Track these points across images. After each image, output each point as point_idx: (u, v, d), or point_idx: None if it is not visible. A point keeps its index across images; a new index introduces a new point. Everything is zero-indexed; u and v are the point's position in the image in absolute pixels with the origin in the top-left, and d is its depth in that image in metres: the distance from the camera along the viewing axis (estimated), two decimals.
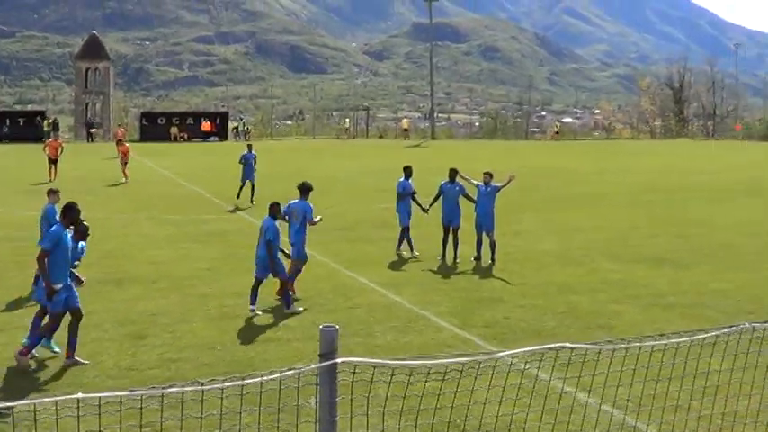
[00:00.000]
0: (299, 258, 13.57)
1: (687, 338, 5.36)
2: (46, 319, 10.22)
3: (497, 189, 16.68)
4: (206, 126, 60.92)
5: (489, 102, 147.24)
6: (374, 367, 4.58)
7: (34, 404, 4.12)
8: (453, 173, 17.14)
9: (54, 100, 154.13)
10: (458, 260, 16.59)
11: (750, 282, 14.94)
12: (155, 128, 60.18)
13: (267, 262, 12.65)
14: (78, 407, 3.83)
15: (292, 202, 13.80)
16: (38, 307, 10.55)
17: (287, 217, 13.61)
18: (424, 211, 17.45)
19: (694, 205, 25.90)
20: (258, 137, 65.63)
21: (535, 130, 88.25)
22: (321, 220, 14.19)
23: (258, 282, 12.74)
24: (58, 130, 55.84)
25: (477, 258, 16.59)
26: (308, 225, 13.61)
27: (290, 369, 4.20)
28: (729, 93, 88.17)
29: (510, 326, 11.99)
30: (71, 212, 10.29)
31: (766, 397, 6.91)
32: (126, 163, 31.93)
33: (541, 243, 18.95)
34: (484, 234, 16.59)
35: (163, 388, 4.11)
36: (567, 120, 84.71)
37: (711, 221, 22.57)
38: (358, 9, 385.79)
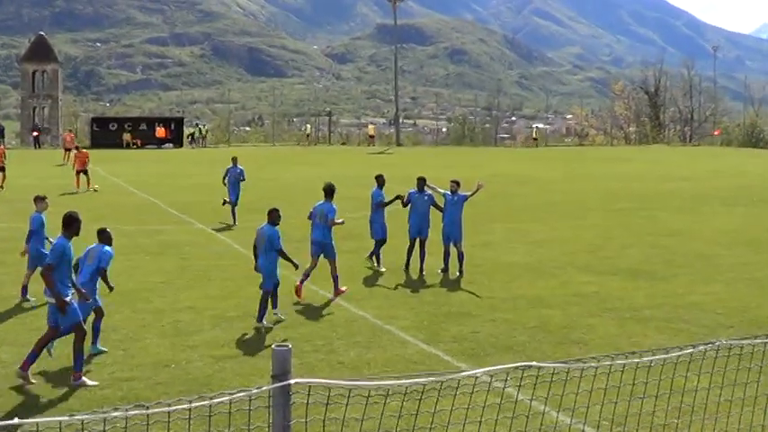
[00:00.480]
0: (333, 258, 14.11)
1: (661, 356, 5.18)
2: (61, 337, 10.08)
3: (465, 198, 16.23)
4: (160, 132, 59.35)
5: (457, 107, 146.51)
6: (329, 389, 4.43)
7: None
8: (422, 182, 16.55)
9: None
10: (423, 272, 16.06)
11: (728, 294, 14.63)
12: (106, 134, 58.34)
13: (273, 272, 12.45)
14: None
15: (318, 203, 14.29)
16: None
17: (312, 218, 14.26)
18: (398, 197, 16.72)
19: (670, 214, 25.44)
20: (215, 143, 64.62)
21: (505, 136, 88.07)
22: (343, 222, 14.64)
23: (267, 294, 12.38)
24: (3, 136, 54.28)
25: (445, 270, 16.13)
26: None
27: (241, 391, 4.06)
28: (707, 96, 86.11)
29: (479, 341, 11.61)
30: (75, 223, 10.35)
31: (746, 416, 6.53)
32: (86, 171, 30.59)
33: (511, 254, 18.54)
34: (451, 245, 16.12)
35: (104, 412, 3.95)
36: (539, 125, 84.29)
37: (688, 231, 22.21)
38: (319, 10, 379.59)
